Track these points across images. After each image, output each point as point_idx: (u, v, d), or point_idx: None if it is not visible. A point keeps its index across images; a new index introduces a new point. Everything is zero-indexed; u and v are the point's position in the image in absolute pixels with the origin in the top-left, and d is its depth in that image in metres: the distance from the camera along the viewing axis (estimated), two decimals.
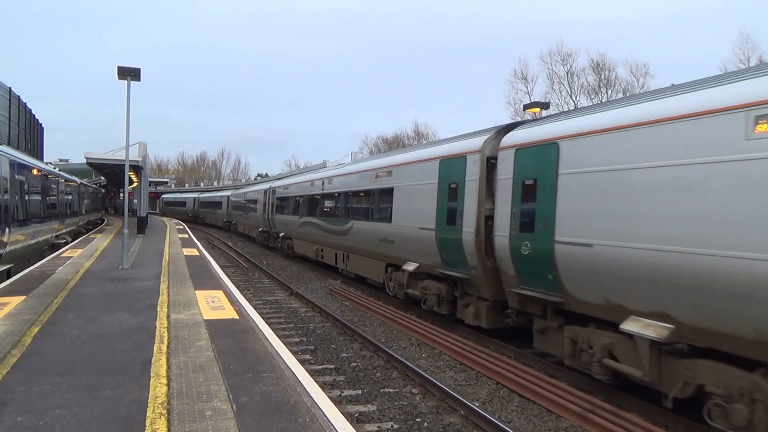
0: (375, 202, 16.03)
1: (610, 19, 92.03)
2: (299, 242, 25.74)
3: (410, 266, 13.59)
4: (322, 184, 21.72)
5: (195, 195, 72.64)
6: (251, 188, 42.75)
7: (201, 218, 64.94)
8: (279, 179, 35.45)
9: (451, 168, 11.80)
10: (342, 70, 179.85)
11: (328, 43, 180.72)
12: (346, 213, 18.58)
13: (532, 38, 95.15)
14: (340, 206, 19.27)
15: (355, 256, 18.14)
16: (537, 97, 48.87)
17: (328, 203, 21.02)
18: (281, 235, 29.26)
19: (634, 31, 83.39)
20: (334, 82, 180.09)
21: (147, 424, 5.07)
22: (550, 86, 51.62)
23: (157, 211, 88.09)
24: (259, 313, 10.80)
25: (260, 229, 35.41)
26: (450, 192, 11.74)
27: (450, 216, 11.61)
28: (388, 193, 15.06)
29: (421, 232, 12.80)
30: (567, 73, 51.02)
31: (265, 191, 33.33)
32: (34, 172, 20.39)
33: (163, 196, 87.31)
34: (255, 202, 36.82)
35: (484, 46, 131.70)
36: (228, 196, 50.87)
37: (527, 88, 52.97)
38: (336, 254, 20.07)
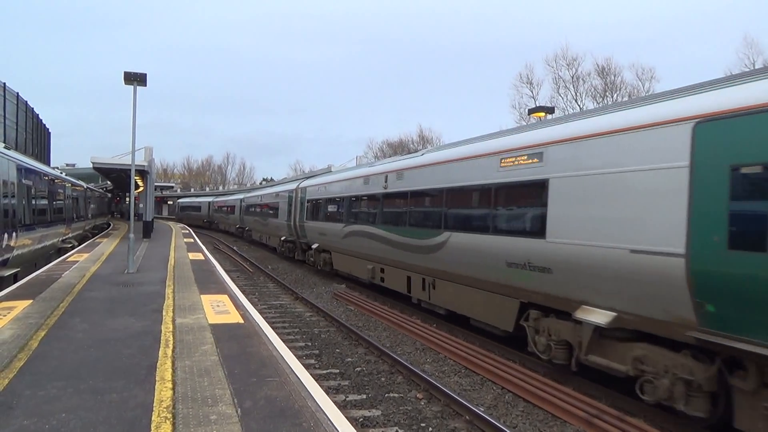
0: (500, 203, 10.40)
1: (616, 23, 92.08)
2: (343, 257, 20.02)
3: (597, 316, 7.95)
4: (386, 181, 15.88)
5: (210, 199, 68.09)
6: (270, 189, 36.79)
7: (215, 224, 61.23)
8: (310, 177, 29.04)
9: (745, 134, 6.14)
10: (347, 74, 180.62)
11: (333, 47, 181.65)
12: (436, 220, 12.72)
13: (537, 42, 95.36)
14: (425, 210, 13.72)
15: (449, 284, 12.51)
16: (542, 101, 48.82)
17: (397, 206, 15.22)
18: (314, 246, 23.26)
19: (640, 36, 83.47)
20: (340, 87, 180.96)
21: (152, 428, 5.08)
22: (556, 90, 51.61)
23: (171, 215, 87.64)
24: (263, 318, 10.83)
25: (283, 238, 29.33)
26: (743, 184, 6.14)
27: (744, 231, 6.06)
28: (533, 188, 9.42)
29: (637, 259, 7.21)
30: (572, 77, 51.03)
31: (291, 192, 27.43)
32: (41, 176, 20.53)
33: (179, 200, 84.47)
34: (276, 206, 30.93)
35: (488, 50, 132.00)
36: (241, 200, 46.19)
37: (532, 92, 52.97)
38: (409, 278, 14.62)
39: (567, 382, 9.05)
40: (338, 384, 9.17)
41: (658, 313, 7.09)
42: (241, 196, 48.85)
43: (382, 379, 9.55)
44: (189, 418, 5.35)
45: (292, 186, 28.19)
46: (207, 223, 64.70)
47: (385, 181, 15.98)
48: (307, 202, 24.29)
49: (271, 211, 32.53)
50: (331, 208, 21.17)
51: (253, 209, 39.51)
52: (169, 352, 7.71)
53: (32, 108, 29.94)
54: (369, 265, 17.26)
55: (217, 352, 7.77)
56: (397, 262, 15.21)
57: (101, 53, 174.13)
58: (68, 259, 19.87)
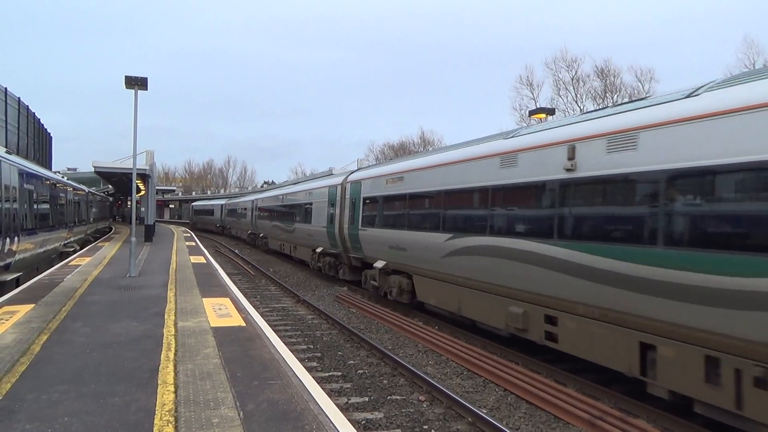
0: None
1: (615, 24, 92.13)
2: (440, 287, 12.95)
3: None
4: (571, 157, 8.83)
5: (223, 201, 61.84)
6: (297, 187, 30.02)
7: (228, 229, 56.25)
8: (366, 168, 22.03)
9: None
10: (348, 77, 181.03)
11: (334, 50, 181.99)
12: None
13: (537, 44, 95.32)
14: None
15: None
16: (543, 103, 48.95)
17: (620, 204, 8.02)
18: (378, 265, 16.22)
19: (639, 37, 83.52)
20: (341, 90, 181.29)
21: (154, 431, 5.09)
22: (556, 92, 51.76)
23: (173, 219, 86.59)
24: (265, 321, 10.83)
25: (319, 250, 22.69)
26: None
27: None
28: None
29: None
30: (572, 79, 51.15)
31: (334, 189, 20.81)
32: (43, 181, 20.57)
33: (192, 204, 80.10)
34: (307, 207, 24.56)
35: (489, 52, 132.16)
36: (253, 201, 41.17)
37: (533, 93, 53.14)
38: (645, 347, 7.55)
39: (570, 383, 9.04)
40: (340, 387, 9.16)
41: None
42: (253, 197, 43.25)
43: (385, 381, 9.54)
44: (191, 421, 5.34)
45: (335, 180, 21.39)
46: (220, 228, 60.14)
47: (571, 157, 8.72)
48: (364, 202, 17.59)
49: (298, 215, 26.07)
50: (417, 209, 14.12)
51: (272, 212, 32.94)
52: (171, 355, 7.71)
53: (34, 113, 30.08)
54: (515, 308, 10.05)
55: (219, 355, 7.76)
56: (607, 313, 8.00)
57: (103, 58, 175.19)
58: (70, 263, 19.88)
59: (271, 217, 33.35)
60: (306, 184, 28.18)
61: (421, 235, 13.54)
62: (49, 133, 37.35)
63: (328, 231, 21.00)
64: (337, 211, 20.04)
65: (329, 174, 34.67)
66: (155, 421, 5.31)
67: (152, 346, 8.17)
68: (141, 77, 16.89)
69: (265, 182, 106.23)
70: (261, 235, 37.80)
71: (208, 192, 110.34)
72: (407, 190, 14.59)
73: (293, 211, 27.31)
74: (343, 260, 20.12)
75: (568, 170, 8.84)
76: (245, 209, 44.41)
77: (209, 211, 66.15)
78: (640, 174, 7.56)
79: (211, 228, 63.31)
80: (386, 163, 18.54)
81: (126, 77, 16.78)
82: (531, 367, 9.99)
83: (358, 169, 21.62)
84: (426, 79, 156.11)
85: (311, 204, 23.86)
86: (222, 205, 59.61)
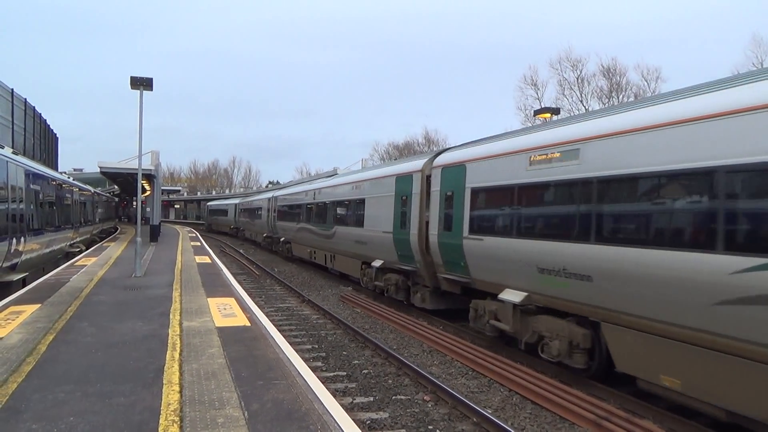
0: None
1: (621, 24, 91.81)
2: (732, 372, 6.19)
3: None
4: None
5: (237, 200, 56.73)
6: (335, 180, 23.62)
7: (242, 231, 51.58)
8: (482, 142, 12.49)
9: None
10: (352, 77, 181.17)
11: (338, 50, 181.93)
12: None
13: (541, 43, 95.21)
14: None
15: None
16: (547, 103, 48.82)
17: None
18: (515, 300, 10.04)
19: (645, 36, 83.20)
20: (345, 90, 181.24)
21: (159, 431, 5.10)
22: (561, 92, 51.66)
23: (178, 219, 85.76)
24: (270, 320, 10.83)
25: (378, 264, 16.91)
26: None
27: None
28: None
29: None
30: (577, 79, 51.03)
31: (407, 178, 14.98)
32: (49, 181, 20.66)
33: (208, 204, 75.62)
34: (357, 203, 18.80)
35: (493, 52, 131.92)
36: (269, 199, 35.65)
37: (537, 93, 53.04)
38: None
39: (575, 384, 9.01)
40: (345, 386, 9.16)
41: None
42: (270, 193, 37.56)
43: (389, 381, 9.53)
44: (196, 421, 5.35)
45: (408, 166, 15.57)
46: (234, 231, 55.92)
47: None
48: (474, 195, 11.67)
49: (341, 215, 20.69)
50: (623, 204, 7.85)
51: (298, 211, 27.31)
52: (177, 355, 7.73)
53: (40, 113, 30.22)
54: None
55: (224, 355, 7.78)
56: None
57: (108, 59, 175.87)
58: (76, 264, 19.97)
59: (296, 217, 27.33)
60: (353, 175, 21.89)
61: (640, 255, 7.30)
62: (55, 134, 37.52)
63: (396, 238, 15.27)
64: (414, 210, 14.34)
65: (332, 172, 34.13)
66: (160, 421, 5.32)
67: (157, 346, 8.19)
68: (146, 78, 16.95)
69: (269, 182, 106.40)
70: (282, 239, 31.97)
71: (213, 192, 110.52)
72: (593, 172, 8.34)
73: (333, 211, 21.49)
74: (423, 281, 14.49)
75: None
76: (260, 208, 38.88)
77: (223, 212, 61.50)
78: None
79: (226, 230, 60.81)
80: (520, 131, 11.91)
81: (131, 78, 16.83)
82: (536, 367, 9.96)
83: (447, 149, 14.94)
84: (430, 79, 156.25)
85: (364, 200, 18.16)
86: (236, 205, 53.93)
